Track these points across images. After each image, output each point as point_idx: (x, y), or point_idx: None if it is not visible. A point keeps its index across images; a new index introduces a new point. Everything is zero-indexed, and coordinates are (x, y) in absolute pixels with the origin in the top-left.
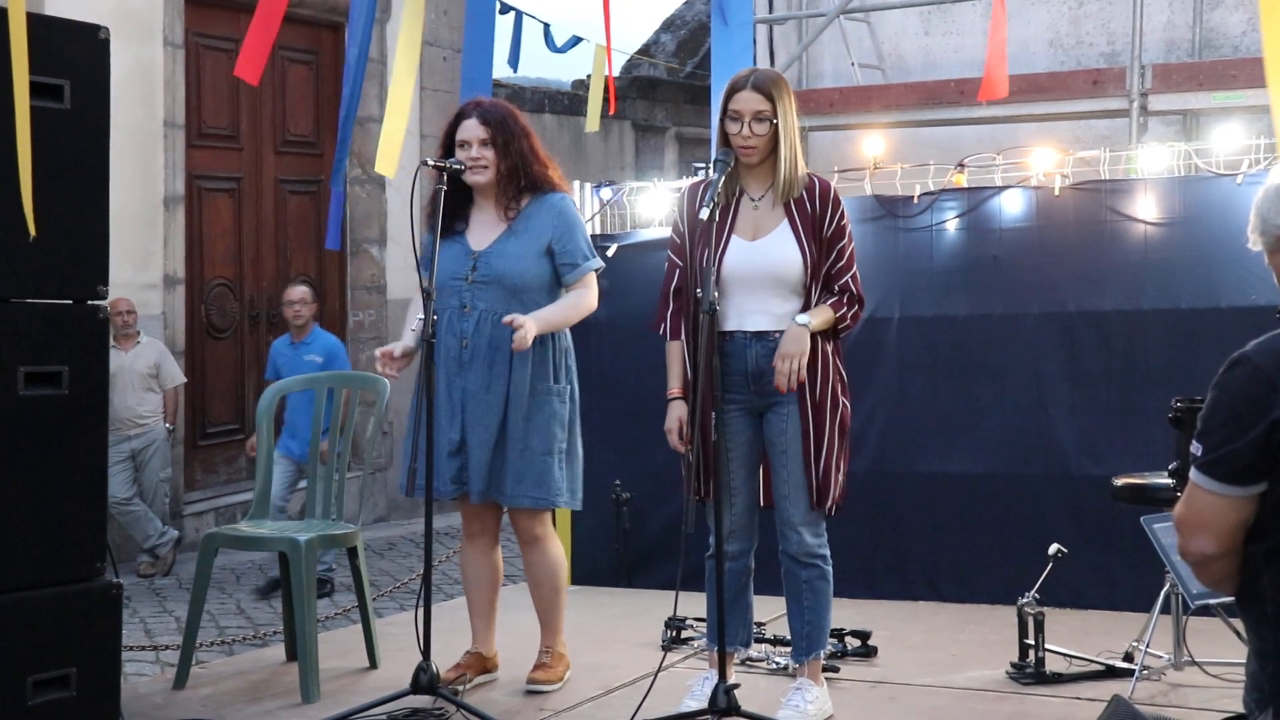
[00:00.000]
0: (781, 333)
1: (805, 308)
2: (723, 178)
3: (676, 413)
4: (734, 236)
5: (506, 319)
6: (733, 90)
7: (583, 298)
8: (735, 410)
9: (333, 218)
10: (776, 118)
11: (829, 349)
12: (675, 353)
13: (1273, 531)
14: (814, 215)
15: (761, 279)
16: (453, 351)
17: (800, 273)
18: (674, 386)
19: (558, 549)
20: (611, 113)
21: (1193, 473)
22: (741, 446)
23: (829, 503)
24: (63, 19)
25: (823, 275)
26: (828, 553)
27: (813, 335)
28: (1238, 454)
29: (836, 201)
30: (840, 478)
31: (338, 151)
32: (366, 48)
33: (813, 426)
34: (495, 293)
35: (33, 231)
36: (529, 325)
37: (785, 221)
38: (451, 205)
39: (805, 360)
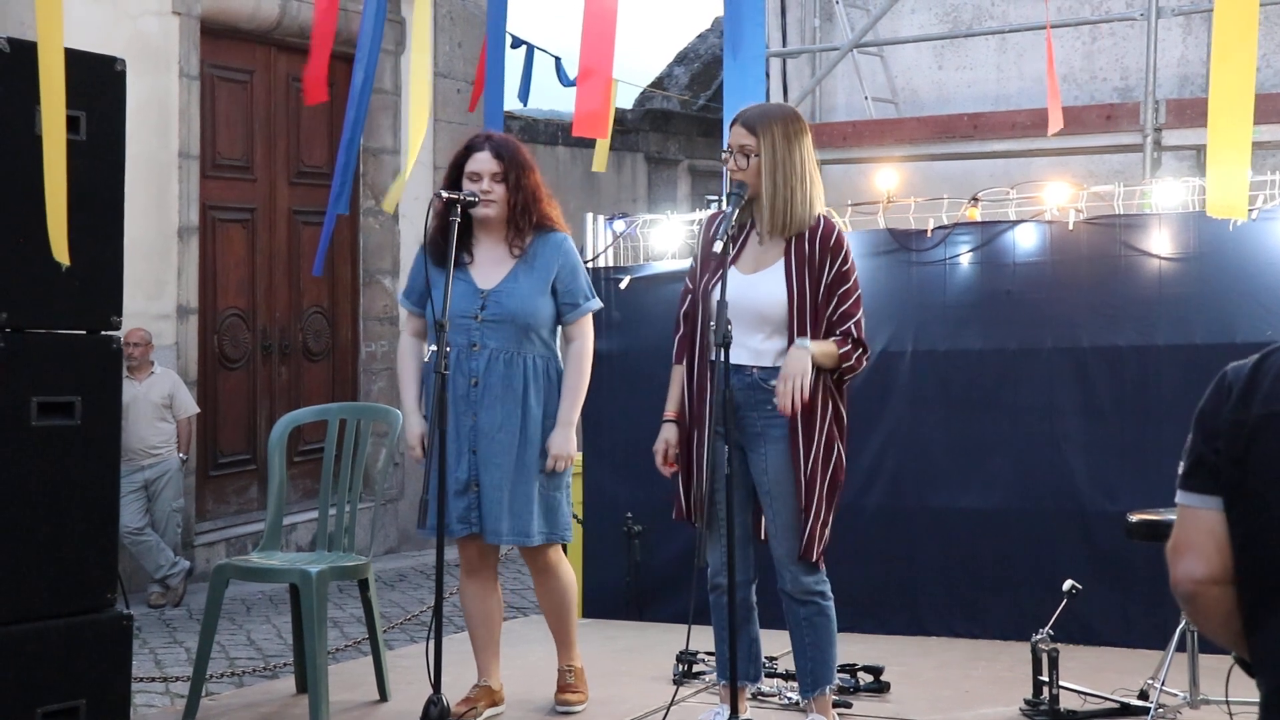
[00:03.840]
0: (758, 369)
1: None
2: (736, 210)
3: (665, 435)
4: (733, 269)
5: (550, 465)
6: (731, 124)
7: (584, 351)
8: (719, 440)
9: (321, 243)
10: (760, 152)
11: (827, 390)
12: (676, 377)
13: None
14: (811, 258)
15: (746, 314)
16: (461, 390)
17: (784, 312)
18: (669, 409)
19: (568, 569)
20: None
21: (1176, 496)
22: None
23: (813, 553)
24: (79, 50)
25: (824, 320)
26: (826, 588)
27: (820, 381)
28: (1203, 460)
29: (839, 246)
30: (826, 532)
31: (338, 176)
32: (372, 74)
33: (804, 469)
34: (506, 331)
35: (66, 260)
36: (569, 454)
37: (781, 260)
38: (452, 236)
39: (808, 382)
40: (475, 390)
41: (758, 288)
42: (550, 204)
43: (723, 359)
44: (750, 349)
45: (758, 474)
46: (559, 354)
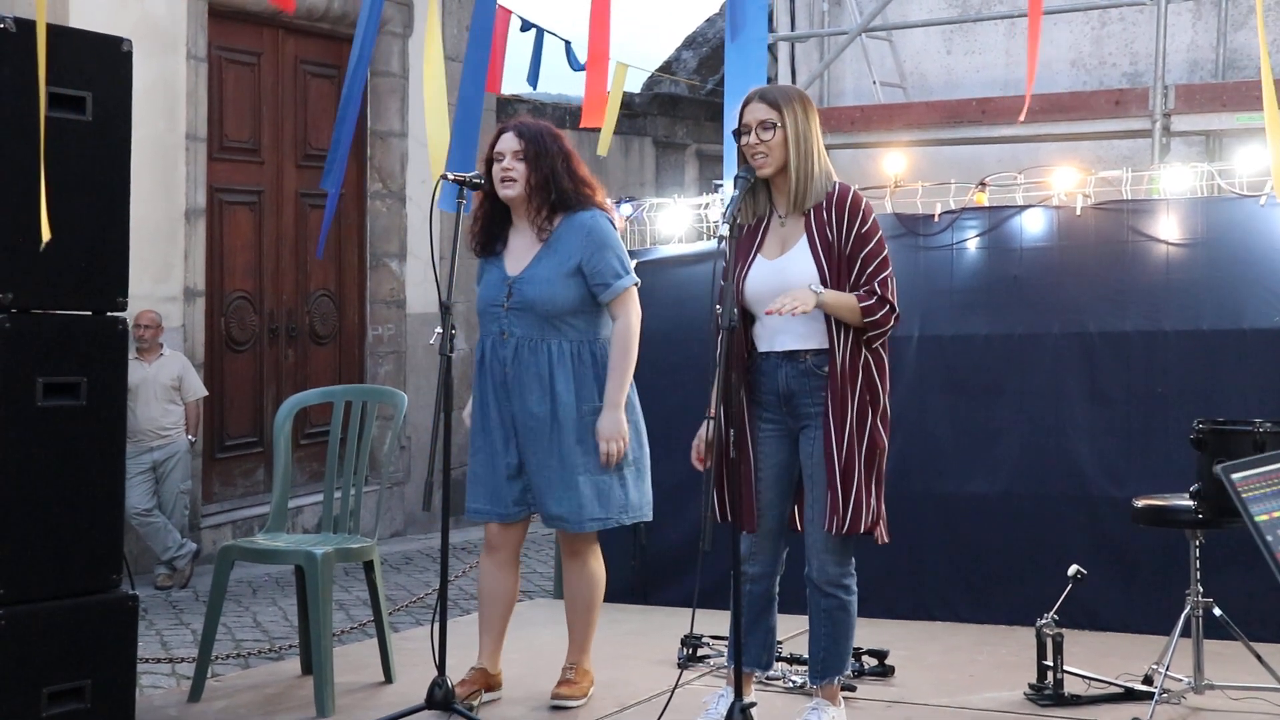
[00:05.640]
0: (812, 351)
1: (828, 323)
2: (742, 195)
3: (701, 432)
4: (759, 256)
5: (604, 451)
6: (743, 105)
7: (626, 329)
8: (771, 432)
9: (324, 224)
10: (784, 124)
11: (861, 364)
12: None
13: None
14: (829, 224)
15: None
16: (497, 378)
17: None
18: (712, 407)
19: (598, 567)
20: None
21: None
22: (773, 469)
23: (849, 527)
24: (85, 31)
25: (847, 286)
26: (852, 583)
27: (849, 352)
28: None
29: (856, 208)
30: (872, 502)
31: (331, 153)
32: (368, 53)
33: (835, 448)
34: (529, 319)
35: (47, 235)
36: (617, 434)
37: (804, 236)
38: (493, 225)
39: (798, 309)
40: (509, 378)
41: (787, 269)
42: (583, 185)
43: (757, 347)
44: (795, 332)
45: (804, 457)
46: (601, 334)
